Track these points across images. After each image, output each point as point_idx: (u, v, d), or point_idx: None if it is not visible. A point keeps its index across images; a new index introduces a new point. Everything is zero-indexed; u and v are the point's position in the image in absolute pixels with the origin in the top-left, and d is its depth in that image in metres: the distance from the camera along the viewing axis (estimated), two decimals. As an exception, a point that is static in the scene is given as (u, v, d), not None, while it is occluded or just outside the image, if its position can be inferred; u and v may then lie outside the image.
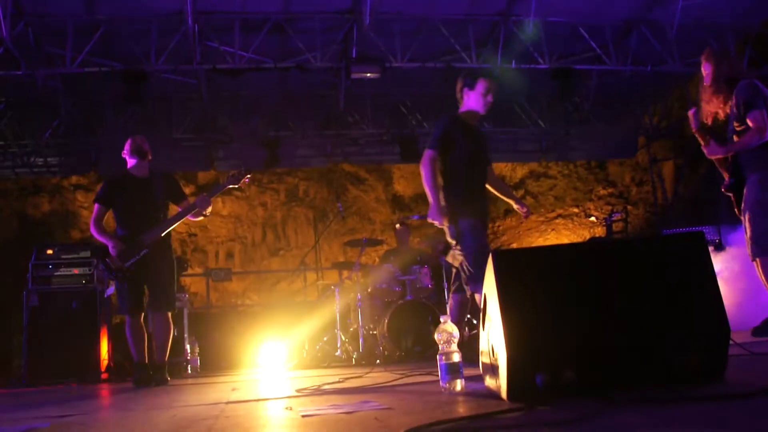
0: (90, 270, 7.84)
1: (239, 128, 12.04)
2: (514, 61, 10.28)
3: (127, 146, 6.51)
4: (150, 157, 6.56)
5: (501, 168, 17.97)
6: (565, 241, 17.50)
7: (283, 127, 12.27)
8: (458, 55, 10.14)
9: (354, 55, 9.85)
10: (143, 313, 6.29)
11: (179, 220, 6.38)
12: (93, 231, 6.29)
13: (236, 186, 6.47)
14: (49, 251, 7.93)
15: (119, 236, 6.25)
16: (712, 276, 2.72)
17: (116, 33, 9.35)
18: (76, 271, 7.87)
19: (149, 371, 6.24)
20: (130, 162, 6.49)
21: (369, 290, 8.78)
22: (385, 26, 9.70)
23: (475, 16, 9.96)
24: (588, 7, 9.86)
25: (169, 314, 6.31)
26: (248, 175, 6.45)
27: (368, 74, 9.78)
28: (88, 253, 7.93)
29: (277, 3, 9.34)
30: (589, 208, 17.54)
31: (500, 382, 2.66)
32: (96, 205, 6.39)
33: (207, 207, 6.31)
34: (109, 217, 6.42)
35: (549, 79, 10.51)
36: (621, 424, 1.94)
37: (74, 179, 15.84)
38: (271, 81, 11.24)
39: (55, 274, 7.82)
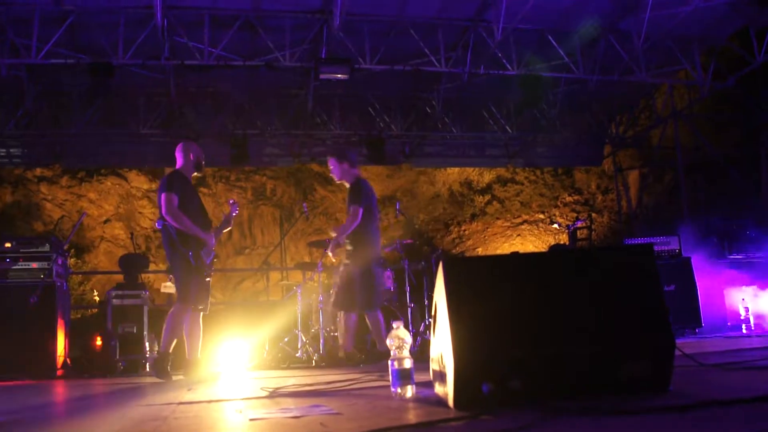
0: (49, 264, 7.72)
1: (207, 125, 11.97)
2: (482, 66, 10.32)
3: (199, 151, 6.38)
4: None
5: (468, 172, 18.08)
6: (530, 246, 17.66)
7: (251, 126, 12.21)
8: (427, 59, 10.17)
9: (323, 56, 9.82)
10: None
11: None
12: (187, 221, 5.98)
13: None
14: (8, 244, 7.79)
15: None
16: (658, 287, 2.76)
17: (84, 25, 9.25)
18: (34, 265, 7.74)
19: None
20: (192, 167, 6.38)
21: (331, 291, 8.76)
22: (354, 27, 9.70)
23: (444, 21, 10.00)
24: (556, 15, 9.92)
25: None
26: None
27: (337, 75, 9.74)
28: (47, 248, 7.79)
29: (247, 0, 9.29)
30: (555, 215, 17.71)
31: (448, 390, 2.67)
32: (175, 197, 6.01)
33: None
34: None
35: (517, 85, 10.58)
36: (559, 435, 1.96)
37: (38, 171, 15.68)
38: (240, 79, 11.18)
39: (13, 267, 7.68)
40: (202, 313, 6.29)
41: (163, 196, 5.98)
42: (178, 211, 5.93)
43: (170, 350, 6.11)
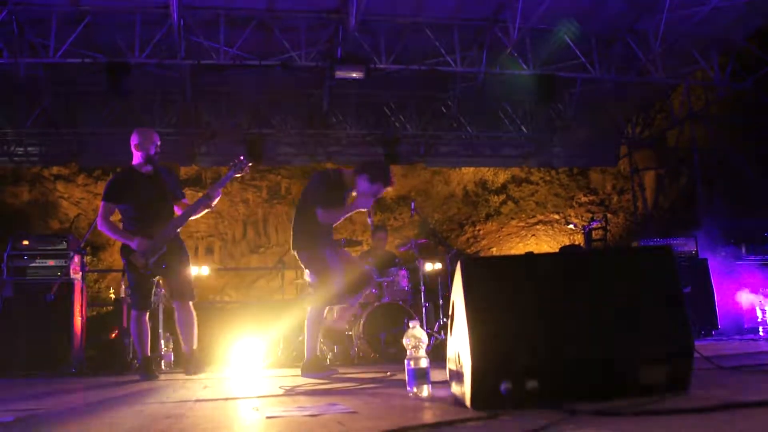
0: (66, 262, 7.77)
1: (222, 124, 12.01)
2: (498, 66, 10.30)
3: (143, 138, 6.25)
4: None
5: (483, 172, 18.03)
6: (545, 247, 17.60)
7: (266, 125, 12.24)
8: (443, 58, 10.15)
9: (339, 56, 9.83)
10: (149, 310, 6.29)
11: (192, 215, 6.20)
12: (112, 231, 5.98)
13: (239, 174, 6.23)
14: (25, 242, 7.85)
15: (132, 232, 6.00)
16: (678, 289, 2.73)
17: (101, 24, 9.30)
18: (51, 262, 7.80)
19: (153, 365, 6.34)
20: (143, 160, 6.19)
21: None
22: (370, 27, 9.70)
23: (460, 21, 9.98)
24: (573, 16, 9.87)
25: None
26: (249, 164, 6.23)
27: (353, 75, 9.76)
28: (64, 245, 7.86)
29: (262, 0, 9.31)
30: (570, 215, 17.63)
31: (465, 390, 2.66)
32: (110, 206, 6.02)
33: (216, 198, 6.16)
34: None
35: (533, 85, 10.54)
36: (578, 436, 1.95)
37: (55, 169, 15.76)
38: (255, 78, 11.20)
39: (31, 265, 7.74)
40: (191, 302, 6.28)
41: (100, 203, 6.08)
42: (105, 222, 5.96)
43: (148, 353, 6.21)
